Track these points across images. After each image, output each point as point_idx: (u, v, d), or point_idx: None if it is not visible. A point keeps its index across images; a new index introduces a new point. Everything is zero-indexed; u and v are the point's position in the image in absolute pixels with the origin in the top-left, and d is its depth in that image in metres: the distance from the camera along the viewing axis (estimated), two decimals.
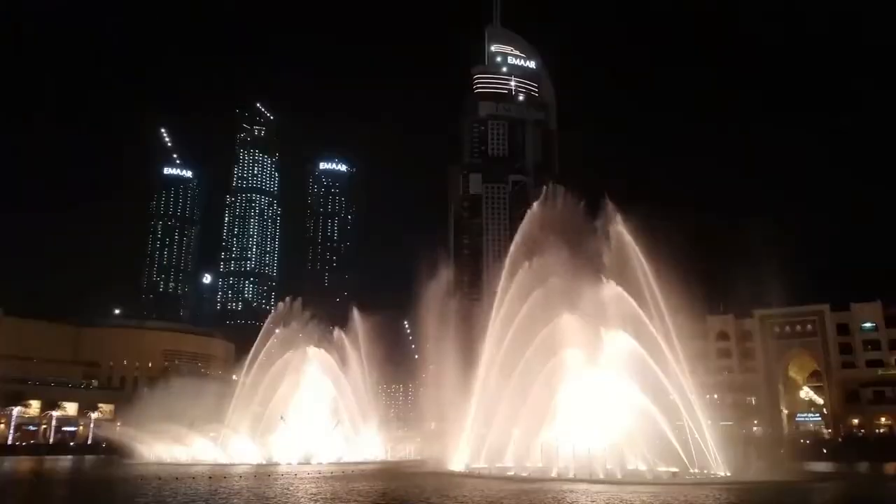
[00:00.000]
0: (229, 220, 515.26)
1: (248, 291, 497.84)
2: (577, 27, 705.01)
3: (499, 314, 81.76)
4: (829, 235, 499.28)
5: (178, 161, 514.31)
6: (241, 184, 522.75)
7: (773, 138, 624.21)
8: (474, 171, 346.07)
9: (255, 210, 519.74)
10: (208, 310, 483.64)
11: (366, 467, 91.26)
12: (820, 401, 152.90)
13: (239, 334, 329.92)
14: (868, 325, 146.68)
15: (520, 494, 52.82)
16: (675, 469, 68.55)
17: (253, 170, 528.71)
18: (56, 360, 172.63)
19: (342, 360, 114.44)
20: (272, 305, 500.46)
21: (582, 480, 63.66)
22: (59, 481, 68.83)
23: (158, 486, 58.64)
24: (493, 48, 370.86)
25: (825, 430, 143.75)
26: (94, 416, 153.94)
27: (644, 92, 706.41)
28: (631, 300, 71.17)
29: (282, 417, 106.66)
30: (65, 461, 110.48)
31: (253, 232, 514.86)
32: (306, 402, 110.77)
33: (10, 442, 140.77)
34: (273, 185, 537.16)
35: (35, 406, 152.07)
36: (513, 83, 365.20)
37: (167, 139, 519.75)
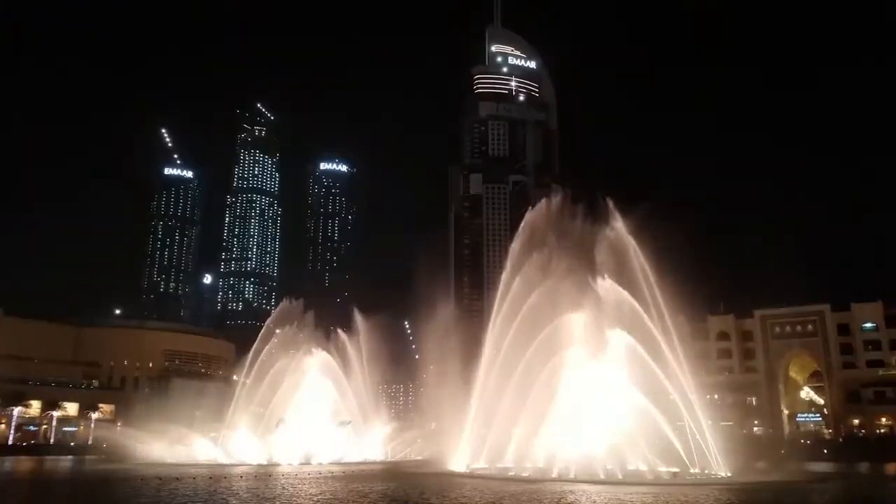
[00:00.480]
0: (230, 220, 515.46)
1: (248, 292, 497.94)
2: (578, 27, 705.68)
3: (499, 315, 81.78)
4: (829, 235, 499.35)
5: (178, 161, 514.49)
6: (242, 184, 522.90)
7: (773, 138, 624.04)
8: (475, 172, 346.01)
9: (255, 210, 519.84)
10: (209, 310, 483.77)
11: (366, 467, 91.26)
12: (820, 401, 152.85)
13: (239, 334, 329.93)
14: (869, 325, 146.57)
15: (520, 495, 52.76)
16: (675, 469, 68.51)
17: (253, 170, 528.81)
18: (56, 361, 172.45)
19: (343, 362, 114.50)
20: (272, 306, 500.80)
21: (582, 481, 63.60)
22: (60, 481, 68.83)
23: (158, 486, 58.61)
24: (494, 48, 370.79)
25: (826, 431, 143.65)
26: (94, 416, 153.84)
27: (644, 92, 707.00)
28: (631, 299, 71.15)
29: (278, 423, 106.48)
30: (65, 461, 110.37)
31: (253, 232, 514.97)
32: (307, 402, 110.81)
33: (10, 442, 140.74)
34: (273, 185, 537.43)
35: (35, 406, 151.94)
36: (513, 83, 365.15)
37: (168, 139, 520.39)
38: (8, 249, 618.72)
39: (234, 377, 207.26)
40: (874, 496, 61.87)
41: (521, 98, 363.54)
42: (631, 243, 74.48)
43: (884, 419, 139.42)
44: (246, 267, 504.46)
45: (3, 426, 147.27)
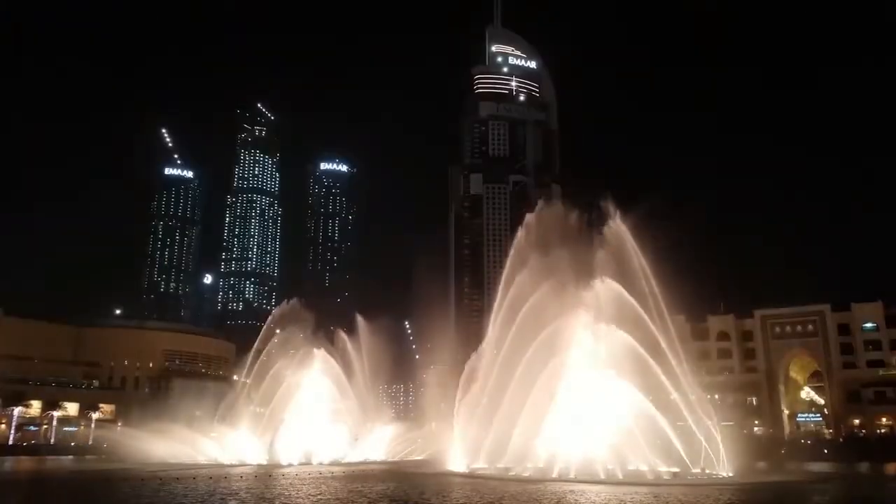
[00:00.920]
0: (230, 220, 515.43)
1: (248, 292, 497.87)
2: (578, 27, 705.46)
3: (498, 316, 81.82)
4: (829, 235, 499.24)
5: (178, 161, 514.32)
6: (242, 184, 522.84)
7: (773, 138, 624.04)
8: (475, 172, 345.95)
9: (255, 210, 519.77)
10: (209, 310, 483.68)
11: (366, 467, 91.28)
12: (821, 401, 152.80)
13: (239, 334, 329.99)
14: (869, 325, 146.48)
15: (520, 495, 52.76)
16: (676, 469, 68.51)
17: (254, 170, 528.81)
18: (57, 361, 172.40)
19: (344, 362, 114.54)
20: (273, 306, 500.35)
21: (583, 481, 63.60)
22: (60, 482, 68.83)
23: (158, 486, 58.62)
24: (494, 48, 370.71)
25: (826, 431, 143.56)
26: (94, 416, 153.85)
27: (644, 92, 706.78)
28: (630, 298, 71.15)
29: (279, 423, 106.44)
30: (65, 461, 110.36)
31: (254, 232, 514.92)
32: (307, 402, 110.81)
33: (10, 442, 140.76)
34: (274, 185, 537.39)
35: (36, 406, 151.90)
36: (513, 83, 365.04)
37: (168, 139, 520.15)
38: (8, 249, 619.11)
39: (235, 377, 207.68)
40: (875, 496, 61.83)
41: (522, 98, 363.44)
42: (631, 243, 74.49)
43: (884, 419, 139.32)
44: (246, 267, 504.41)
45: (3, 426, 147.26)
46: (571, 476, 66.68)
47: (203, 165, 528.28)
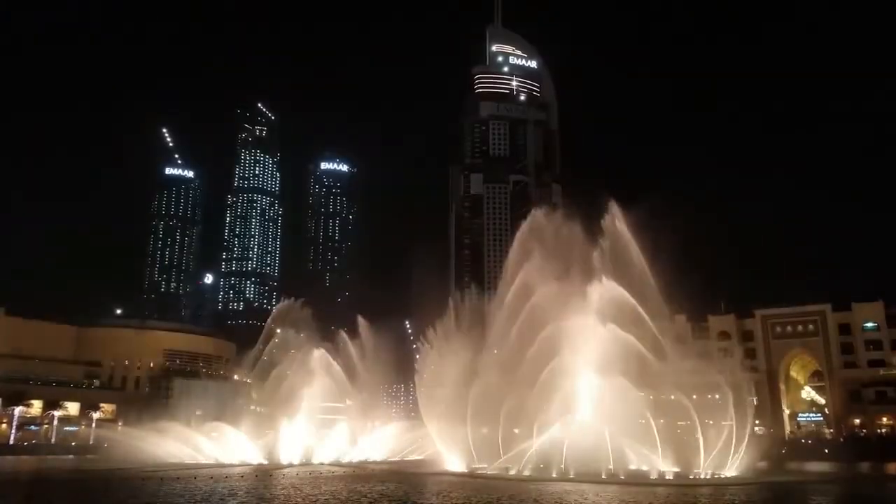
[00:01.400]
0: (230, 220, 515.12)
1: (249, 291, 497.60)
2: (578, 27, 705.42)
3: (499, 317, 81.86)
4: (830, 235, 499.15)
5: (179, 161, 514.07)
6: (243, 184, 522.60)
7: (775, 137, 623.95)
8: (475, 171, 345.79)
9: (256, 210, 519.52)
10: (209, 310, 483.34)
11: (366, 467, 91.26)
12: (822, 401, 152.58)
13: (240, 334, 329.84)
14: (870, 324, 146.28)
15: (520, 495, 52.77)
16: (676, 469, 68.49)
17: (254, 170, 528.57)
18: (57, 360, 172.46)
19: (345, 362, 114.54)
20: (273, 305, 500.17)
21: (583, 481, 63.60)
22: (61, 482, 68.78)
23: (159, 486, 58.63)
24: (495, 48, 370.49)
25: (827, 430, 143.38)
26: (95, 415, 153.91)
27: (645, 91, 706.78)
28: (630, 298, 71.14)
29: (279, 423, 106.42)
30: (66, 461, 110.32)
31: (254, 232, 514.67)
32: (308, 402, 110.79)
33: (11, 442, 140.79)
34: (274, 185, 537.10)
35: (37, 406, 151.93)
36: (514, 83, 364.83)
37: (168, 139, 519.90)
38: (9, 249, 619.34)
39: (236, 377, 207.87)
40: (875, 496, 61.79)
41: (522, 98, 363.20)
42: (631, 243, 74.48)
43: (885, 419, 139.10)
44: (247, 267, 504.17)
45: (4, 426, 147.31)
46: (571, 476, 66.70)
47: (203, 165, 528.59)
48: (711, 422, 71.62)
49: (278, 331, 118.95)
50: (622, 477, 65.53)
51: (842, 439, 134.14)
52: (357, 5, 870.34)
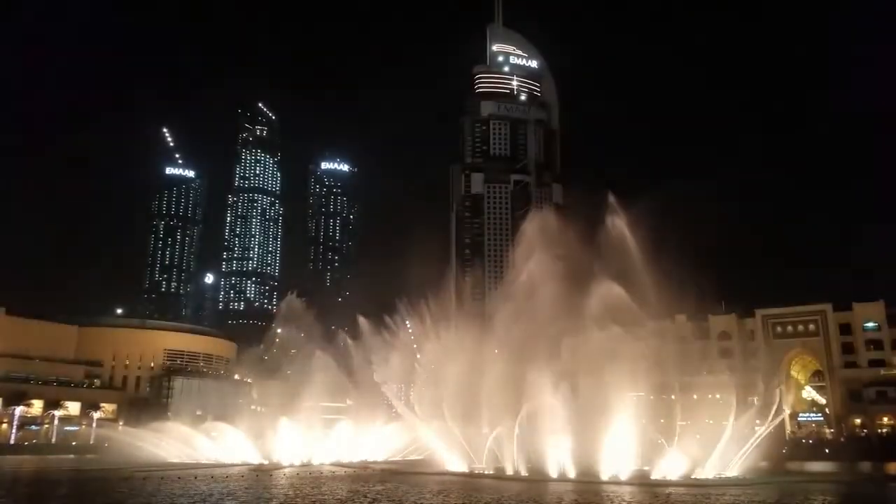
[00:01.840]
0: (231, 219, 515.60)
1: (249, 291, 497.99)
2: (579, 26, 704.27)
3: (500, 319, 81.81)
4: (831, 235, 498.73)
5: (180, 161, 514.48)
6: (243, 183, 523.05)
7: (776, 136, 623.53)
8: (476, 171, 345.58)
9: (256, 210, 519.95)
10: (210, 309, 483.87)
11: (367, 467, 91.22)
12: (822, 400, 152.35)
13: (241, 334, 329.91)
14: (870, 324, 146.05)
15: (521, 494, 52.78)
16: (677, 469, 68.45)
17: (255, 169, 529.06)
18: (58, 360, 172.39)
19: (345, 362, 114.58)
20: (274, 305, 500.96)
21: (584, 481, 63.63)
22: (61, 481, 68.81)
23: (159, 485, 58.64)
24: (495, 48, 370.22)
25: (827, 430, 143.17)
26: (96, 415, 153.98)
27: (645, 91, 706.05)
28: (628, 299, 71.13)
29: (279, 423, 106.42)
30: (67, 461, 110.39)
31: (255, 231, 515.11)
32: (308, 402, 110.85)
33: (12, 441, 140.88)
34: (275, 184, 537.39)
35: (37, 406, 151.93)
36: (515, 83, 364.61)
37: (169, 139, 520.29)
38: (9, 249, 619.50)
39: (236, 376, 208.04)
40: (876, 496, 61.73)
41: (523, 97, 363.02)
42: (632, 244, 74.44)
43: (885, 419, 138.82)
44: (247, 266, 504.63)
45: (5, 426, 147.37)
46: (572, 476, 66.70)
47: (204, 165, 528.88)
48: (712, 422, 71.58)
49: (279, 330, 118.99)
50: (623, 477, 65.50)
51: (842, 439, 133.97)
52: (357, 5, 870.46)
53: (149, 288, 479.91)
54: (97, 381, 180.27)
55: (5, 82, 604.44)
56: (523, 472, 71.47)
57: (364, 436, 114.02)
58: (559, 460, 69.61)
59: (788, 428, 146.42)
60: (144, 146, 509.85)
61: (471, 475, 73.24)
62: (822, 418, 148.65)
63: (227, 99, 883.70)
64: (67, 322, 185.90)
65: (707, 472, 68.35)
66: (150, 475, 68.67)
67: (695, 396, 71.82)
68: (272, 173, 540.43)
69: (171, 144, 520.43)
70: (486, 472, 74.16)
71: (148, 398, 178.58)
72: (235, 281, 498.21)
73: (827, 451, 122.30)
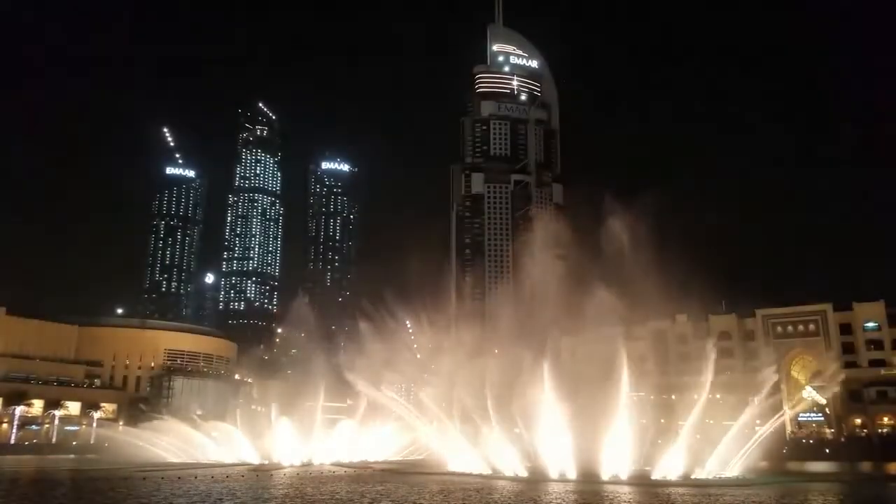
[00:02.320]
0: (231, 219, 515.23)
1: (250, 291, 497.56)
2: (580, 26, 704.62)
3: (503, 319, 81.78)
4: (832, 235, 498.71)
5: (180, 161, 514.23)
6: (244, 183, 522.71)
7: (777, 137, 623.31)
8: (476, 171, 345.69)
9: (257, 209, 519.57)
10: (210, 309, 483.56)
11: (367, 467, 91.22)
12: (822, 400, 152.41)
13: (241, 334, 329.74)
14: (871, 324, 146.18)
15: (521, 494, 52.77)
16: (678, 469, 68.44)
17: (255, 169, 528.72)
18: (58, 360, 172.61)
19: (345, 362, 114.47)
20: (274, 305, 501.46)
21: (584, 481, 63.61)
22: (61, 481, 68.84)
23: (159, 485, 58.63)
24: (496, 47, 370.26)
25: (828, 430, 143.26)
26: (96, 415, 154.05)
27: (646, 91, 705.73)
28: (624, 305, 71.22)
29: (280, 423, 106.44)
30: (67, 461, 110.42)
31: (255, 231, 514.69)
32: (308, 402, 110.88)
33: (12, 441, 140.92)
34: (275, 184, 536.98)
35: (37, 405, 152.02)
36: (515, 83, 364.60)
37: (169, 139, 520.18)
38: (10, 249, 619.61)
39: (237, 376, 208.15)
40: (876, 496, 61.67)
41: (523, 97, 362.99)
42: (632, 244, 74.44)
43: (886, 419, 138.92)
44: (247, 266, 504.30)
45: (5, 425, 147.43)
46: (572, 476, 66.67)
47: (204, 165, 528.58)
48: (712, 422, 71.55)
49: (279, 330, 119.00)
50: (623, 477, 65.50)
51: (843, 439, 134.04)
52: (357, 5, 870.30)
53: (149, 288, 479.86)
54: (97, 381, 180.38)
55: (4, 81, 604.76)
56: (523, 473, 71.42)
57: (364, 436, 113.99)
58: (559, 460, 69.57)
59: (789, 428, 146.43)
60: (145, 146, 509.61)
61: (471, 475, 73.19)
62: (822, 418, 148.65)
63: (227, 99, 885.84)
64: (67, 322, 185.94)
65: (707, 473, 68.34)
66: (150, 475, 68.67)
67: (695, 396, 71.56)
68: (272, 173, 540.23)
69: (172, 144, 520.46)
70: (485, 473, 74.08)
71: (148, 398, 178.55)
72: (236, 281, 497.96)
73: (827, 451, 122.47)
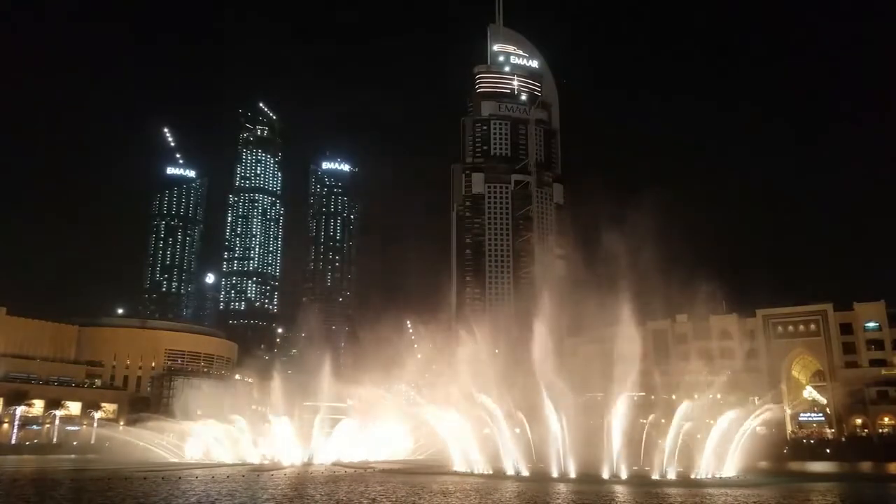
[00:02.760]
0: (232, 219, 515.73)
1: (250, 291, 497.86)
2: (580, 26, 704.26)
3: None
4: (832, 235, 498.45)
5: (180, 161, 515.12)
6: (244, 183, 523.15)
7: (777, 137, 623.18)
8: (477, 171, 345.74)
9: (257, 209, 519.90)
10: (211, 309, 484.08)
11: (367, 467, 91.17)
12: (823, 400, 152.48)
13: (242, 334, 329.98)
14: (871, 324, 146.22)
15: (522, 494, 52.77)
16: (679, 469, 68.47)
17: (255, 169, 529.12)
18: (59, 360, 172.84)
19: (345, 361, 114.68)
20: (275, 305, 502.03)
21: (584, 480, 63.62)
22: (61, 481, 68.83)
23: (158, 485, 58.64)
24: (496, 47, 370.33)
25: (828, 430, 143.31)
26: (96, 415, 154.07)
27: (646, 91, 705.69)
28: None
29: (280, 423, 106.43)
30: (67, 461, 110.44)
31: (255, 231, 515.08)
32: (309, 402, 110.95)
33: (13, 441, 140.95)
34: (275, 184, 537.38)
35: (38, 405, 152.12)
36: (515, 82, 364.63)
37: (170, 139, 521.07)
38: (10, 249, 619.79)
39: (237, 376, 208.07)
40: (877, 496, 61.61)
41: (523, 97, 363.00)
42: (632, 244, 74.50)
43: (886, 418, 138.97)
44: (248, 266, 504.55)
45: (6, 425, 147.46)
46: (572, 476, 66.67)
47: (205, 165, 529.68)
48: (713, 422, 71.53)
49: (280, 330, 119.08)
50: (624, 477, 65.51)
51: (843, 439, 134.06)
52: (358, 5, 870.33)
53: (149, 288, 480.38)
54: (98, 381, 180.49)
55: (4, 81, 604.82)
56: (524, 472, 71.41)
57: (365, 436, 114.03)
58: (560, 460, 69.59)
59: (789, 428, 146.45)
60: (145, 146, 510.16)
61: (471, 475, 73.20)
62: (823, 418, 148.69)
63: (228, 99, 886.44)
64: (68, 322, 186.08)
65: (707, 473, 68.34)
66: (150, 475, 68.68)
67: (695, 396, 71.59)
68: (273, 173, 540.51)
69: (172, 144, 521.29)
70: (486, 472, 74.10)
71: (149, 398, 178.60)
72: (236, 281, 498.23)
73: (828, 450, 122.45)
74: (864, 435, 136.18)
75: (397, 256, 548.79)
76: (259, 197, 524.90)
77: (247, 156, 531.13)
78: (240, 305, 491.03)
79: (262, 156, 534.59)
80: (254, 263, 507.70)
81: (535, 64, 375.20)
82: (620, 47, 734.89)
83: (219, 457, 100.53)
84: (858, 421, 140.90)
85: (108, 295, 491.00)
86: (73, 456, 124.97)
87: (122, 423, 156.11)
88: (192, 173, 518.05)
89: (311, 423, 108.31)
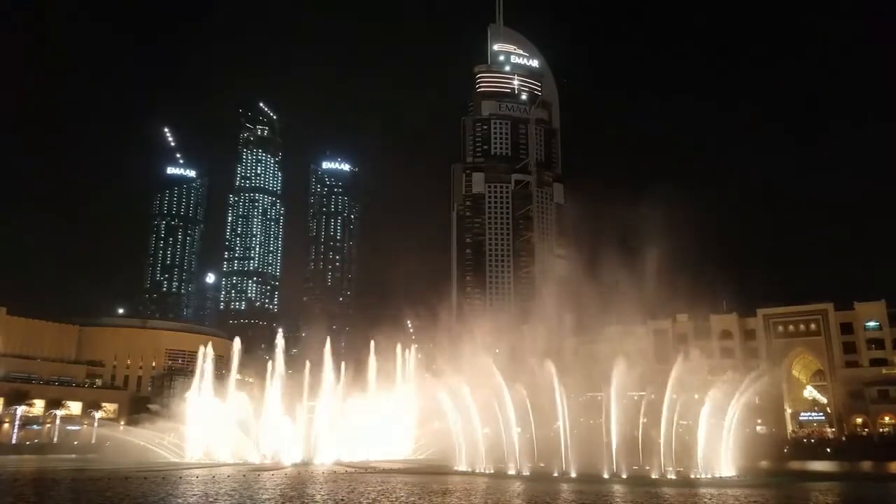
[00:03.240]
0: (232, 219, 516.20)
1: (250, 291, 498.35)
2: (580, 26, 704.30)
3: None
4: (832, 234, 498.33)
5: (180, 160, 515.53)
6: (244, 183, 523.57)
7: (778, 137, 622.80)
8: (477, 170, 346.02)
9: (257, 209, 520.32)
10: (211, 309, 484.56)
11: (368, 467, 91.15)
12: (824, 400, 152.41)
13: (242, 333, 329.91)
14: (872, 323, 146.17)
15: (523, 494, 52.77)
16: (679, 469, 68.44)
17: (256, 169, 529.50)
18: (59, 360, 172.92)
19: (346, 362, 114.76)
20: (275, 305, 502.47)
21: (584, 480, 63.61)
22: (61, 481, 68.84)
23: (158, 485, 58.66)
24: (496, 47, 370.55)
25: (829, 430, 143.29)
26: (97, 415, 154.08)
27: (646, 91, 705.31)
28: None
29: (280, 423, 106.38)
30: (68, 461, 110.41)
31: (256, 231, 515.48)
32: (309, 402, 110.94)
33: (13, 441, 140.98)
34: (276, 184, 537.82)
35: (39, 405, 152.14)
36: (516, 82, 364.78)
37: (170, 139, 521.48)
38: (11, 249, 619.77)
39: (238, 376, 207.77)
40: (877, 496, 61.59)
41: (524, 97, 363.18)
42: (631, 244, 74.50)
43: (887, 418, 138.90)
44: (248, 266, 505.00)
45: (6, 425, 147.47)
46: (573, 475, 66.66)
47: (205, 165, 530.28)
48: (713, 421, 71.44)
49: (280, 330, 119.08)
50: (624, 476, 65.51)
51: (844, 438, 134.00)
52: (358, 5, 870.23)
53: (150, 288, 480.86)
54: (98, 381, 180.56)
55: (4, 81, 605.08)
56: (524, 471, 71.42)
57: (366, 435, 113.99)
58: (561, 459, 69.61)
59: (790, 427, 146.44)
60: (146, 146, 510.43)
61: (472, 474, 73.21)
62: (823, 418, 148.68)
63: (228, 98, 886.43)
64: (69, 322, 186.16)
65: (707, 472, 68.32)
66: (150, 475, 68.70)
67: (696, 396, 71.53)
68: (273, 173, 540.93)
69: (172, 144, 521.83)
70: (487, 471, 74.11)
71: (149, 398, 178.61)
72: (236, 280, 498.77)
73: (828, 450, 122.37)
74: (864, 434, 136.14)
75: (397, 256, 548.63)
76: (259, 197, 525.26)
77: (247, 156, 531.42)
78: (240, 305, 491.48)
79: (262, 156, 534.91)
80: (254, 263, 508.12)
81: (535, 63, 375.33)
82: (620, 47, 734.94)
83: (219, 456, 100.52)
84: (859, 420, 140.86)
85: (109, 295, 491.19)
86: (73, 456, 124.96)
87: (122, 422, 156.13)
88: (192, 173, 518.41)
89: (312, 422, 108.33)
